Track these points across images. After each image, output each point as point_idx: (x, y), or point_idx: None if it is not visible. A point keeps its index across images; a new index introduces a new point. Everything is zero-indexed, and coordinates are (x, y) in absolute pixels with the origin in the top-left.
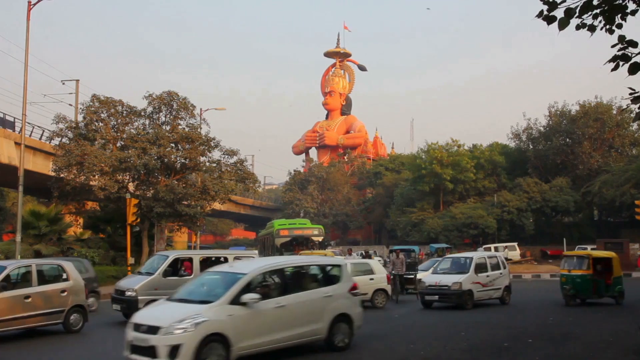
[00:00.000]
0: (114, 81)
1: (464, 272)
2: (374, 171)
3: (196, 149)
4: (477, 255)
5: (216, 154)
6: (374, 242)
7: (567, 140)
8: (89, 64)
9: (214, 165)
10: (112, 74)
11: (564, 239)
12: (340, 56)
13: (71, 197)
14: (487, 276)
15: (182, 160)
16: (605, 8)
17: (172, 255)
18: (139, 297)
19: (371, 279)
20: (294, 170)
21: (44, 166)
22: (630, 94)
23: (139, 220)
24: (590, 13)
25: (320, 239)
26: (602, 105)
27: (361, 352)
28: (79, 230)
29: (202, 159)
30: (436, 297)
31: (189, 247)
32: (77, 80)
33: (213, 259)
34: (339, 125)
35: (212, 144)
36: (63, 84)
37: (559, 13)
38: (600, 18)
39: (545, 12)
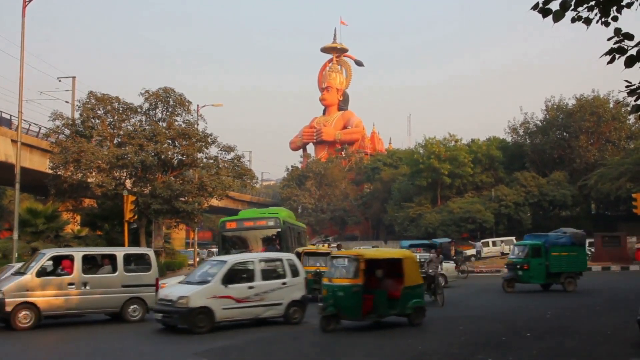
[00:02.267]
0: (112, 78)
1: (207, 282)
2: (372, 166)
3: (193, 146)
4: (236, 258)
5: (213, 150)
6: (372, 238)
7: (564, 134)
8: (87, 61)
9: (211, 161)
10: (110, 71)
11: None
12: (337, 51)
13: (68, 194)
14: (251, 288)
15: (179, 157)
16: (601, 0)
17: (49, 253)
18: (7, 300)
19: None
20: (292, 166)
21: (41, 164)
22: (627, 86)
23: (136, 217)
24: (585, 5)
25: (275, 232)
26: (598, 99)
27: (358, 347)
28: (77, 228)
29: (199, 155)
30: (160, 315)
31: (187, 244)
32: (74, 77)
33: (98, 257)
34: (336, 121)
35: (209, 140)
36: (59, 81)
37: (555, 5)
38: (596, 11)
39: (540, 5)
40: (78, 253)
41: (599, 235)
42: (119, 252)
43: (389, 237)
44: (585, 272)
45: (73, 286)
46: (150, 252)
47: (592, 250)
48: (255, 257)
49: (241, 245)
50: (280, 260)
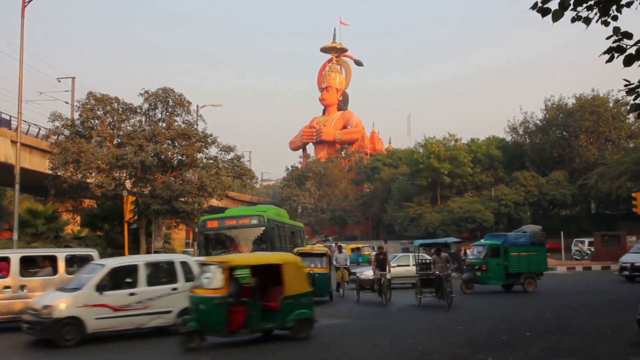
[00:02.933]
0: (111, 79)
1: (79, 289)
2: (372, 166)
3: (193, 146)
4: (116, 262)
5: (213, 151)
6: (372, 237)
7: (564, 133)
8: (87, 62)
9: (211, 161)
10: (110, 72)
11: (562, 233)
12: (336, 51)
13: (68, 195)
14: (133, 294)
15: (179, 157)
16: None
17: None
18: None
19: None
20: (291, 166)
21: (41, 164)
22: (625, 85)
23: (136, 217)
24: (585, 5)
25: (260, 231)
26: (598, 98)
27: (357, 347)
28: (76, 228)
29: (199, 155)
30: (25, 326)
31: (187, 244)
32: (73, 78)
33: (39, 258)
34: (336, 121)
35: (209, 141)
36: (59, 81)
37: (554, 5)
38: (595, 10)
39: (539, 4)
40: (15, 255)
41: (598, 234)
42: (60, 254)
43: (389, 236)
44: (586, 271)
45: (9, 289)
46: (94, 253)
47: (592, 249)
48: (139, 260)
49: (224, 245)
50: (171, 263)
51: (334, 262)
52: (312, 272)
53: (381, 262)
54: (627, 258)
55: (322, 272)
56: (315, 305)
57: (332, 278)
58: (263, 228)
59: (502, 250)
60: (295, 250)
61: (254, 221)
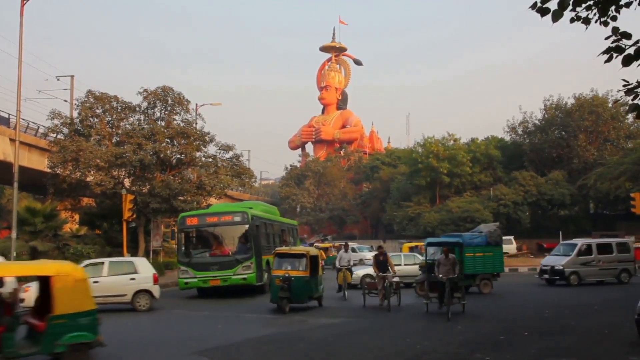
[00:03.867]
0: (110, 77)
1: None
2: (371, 165)
3: (191, 144)
4: None
5: (212, 149)
6: (371, 237)
7: (563, 133)
8: (87, 61)
9: (210, 160)
10: (109, 70)
11: (560, 232)
12: (336, 50)
13: (67, 193)
14: None
15: (178, 156)
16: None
17: None
18: None
19: (132, 279)
20: (290, 165)
21: (40, 162)
22: (624, 85)
23: (135, 216)
24: (584, 5)
25: (243, 228)
26: (597, 98)
27: (356, 346)
28: (75, 227)
29: (197, 154)
30: None
31: None
32: (72, 76)
33: None
34: (335, 120)
35: (208, 139)
36: (58, 80)
37: (553, 5)
38: (594, 11)
39: (538, 4)
40: None
41: (597, 234)
42: None
43: (387, 236)
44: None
45: None
46: None
47: None
48: None
49: (205, 244)
50: None
51: (337, 263)
52: (287, 275)
53: (381, 264)
54: (548, 260)
55: (300, 275)
56: (297, 311)
57: (318, 282)
58: (247, 226)
59: (457, 251)
60: (274, 250)
61: (237, 218)
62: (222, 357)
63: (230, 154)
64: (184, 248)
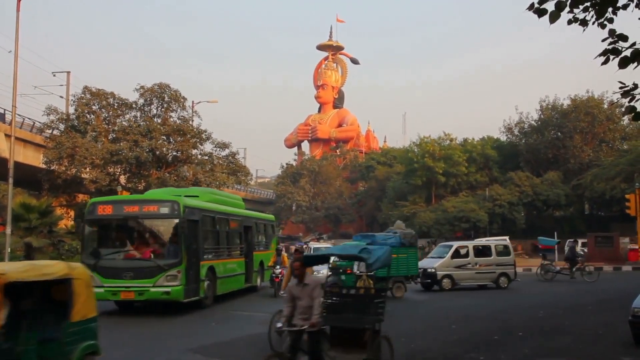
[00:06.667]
0: (107, 73)
1: None
2: (366, 164)
3: (188, 142)
4: None
5: (208, 147)
6: None
7: (559, 134)
8: (84, 57)
9: (206, 158)
10: (105, 66)
11: (555, 233)
12: (332, 49)
13: (62, 189)
14: None
15: (174, 153)
16: (597, 1)
17: None
18: None
19: None
20: (286, 164)
21: (35, 158)
22: (620, 87)
23: None
24: (581, 6)
25: (173, 223)
26: (593, 99)
27: None
28: (70, 223)
29: (194, 151)
30: None
31: None
32: (68, 72)
33: None
34: (332, 119)
35: (204, 137)
36: (54, 75)
37: (550, 6)
38: (592, 12)
39: (536, 5)
40: None
41: (592, 235)
42: None
43: None
44: (578, 272)
45: None
46: None
47: (585, 250)
48: None
49: (121, 242)
50: None
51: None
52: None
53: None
54: (422, 263)
55: None
56: None
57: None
58: (176, 220)
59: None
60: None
61: (165, 209)
62: (216, 354)
63: (227, 151)
64: (90, 245)
